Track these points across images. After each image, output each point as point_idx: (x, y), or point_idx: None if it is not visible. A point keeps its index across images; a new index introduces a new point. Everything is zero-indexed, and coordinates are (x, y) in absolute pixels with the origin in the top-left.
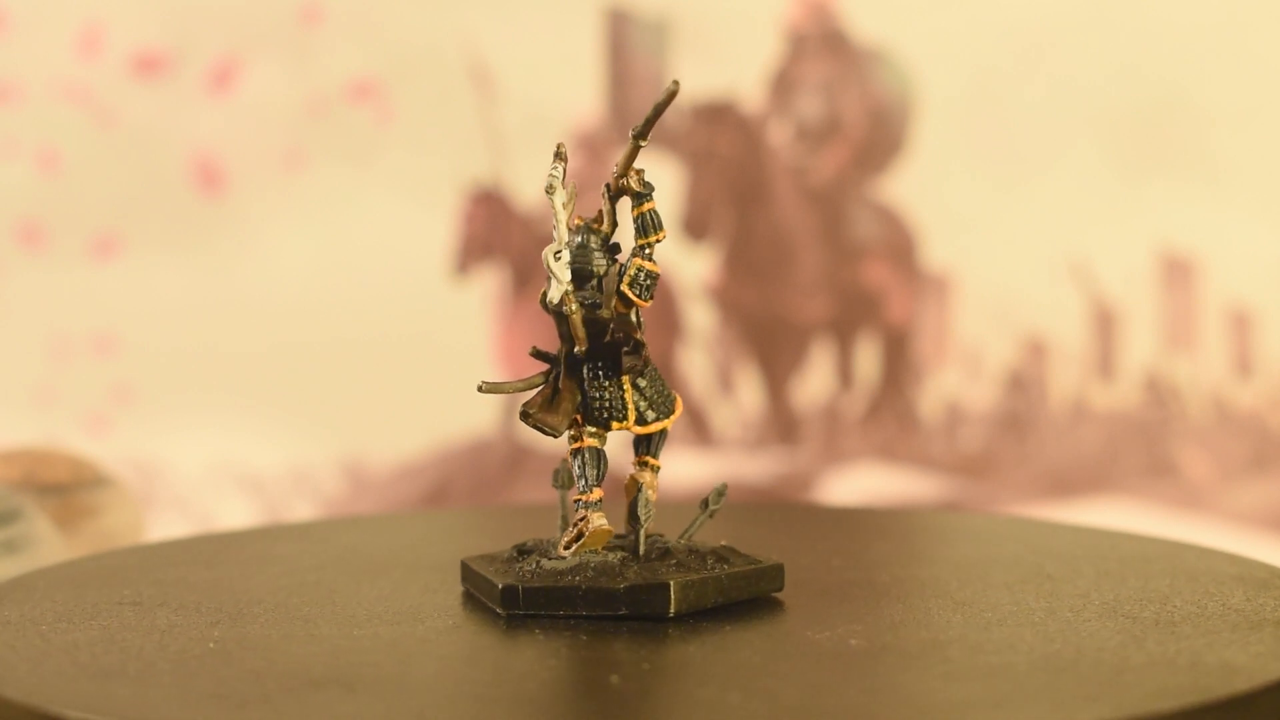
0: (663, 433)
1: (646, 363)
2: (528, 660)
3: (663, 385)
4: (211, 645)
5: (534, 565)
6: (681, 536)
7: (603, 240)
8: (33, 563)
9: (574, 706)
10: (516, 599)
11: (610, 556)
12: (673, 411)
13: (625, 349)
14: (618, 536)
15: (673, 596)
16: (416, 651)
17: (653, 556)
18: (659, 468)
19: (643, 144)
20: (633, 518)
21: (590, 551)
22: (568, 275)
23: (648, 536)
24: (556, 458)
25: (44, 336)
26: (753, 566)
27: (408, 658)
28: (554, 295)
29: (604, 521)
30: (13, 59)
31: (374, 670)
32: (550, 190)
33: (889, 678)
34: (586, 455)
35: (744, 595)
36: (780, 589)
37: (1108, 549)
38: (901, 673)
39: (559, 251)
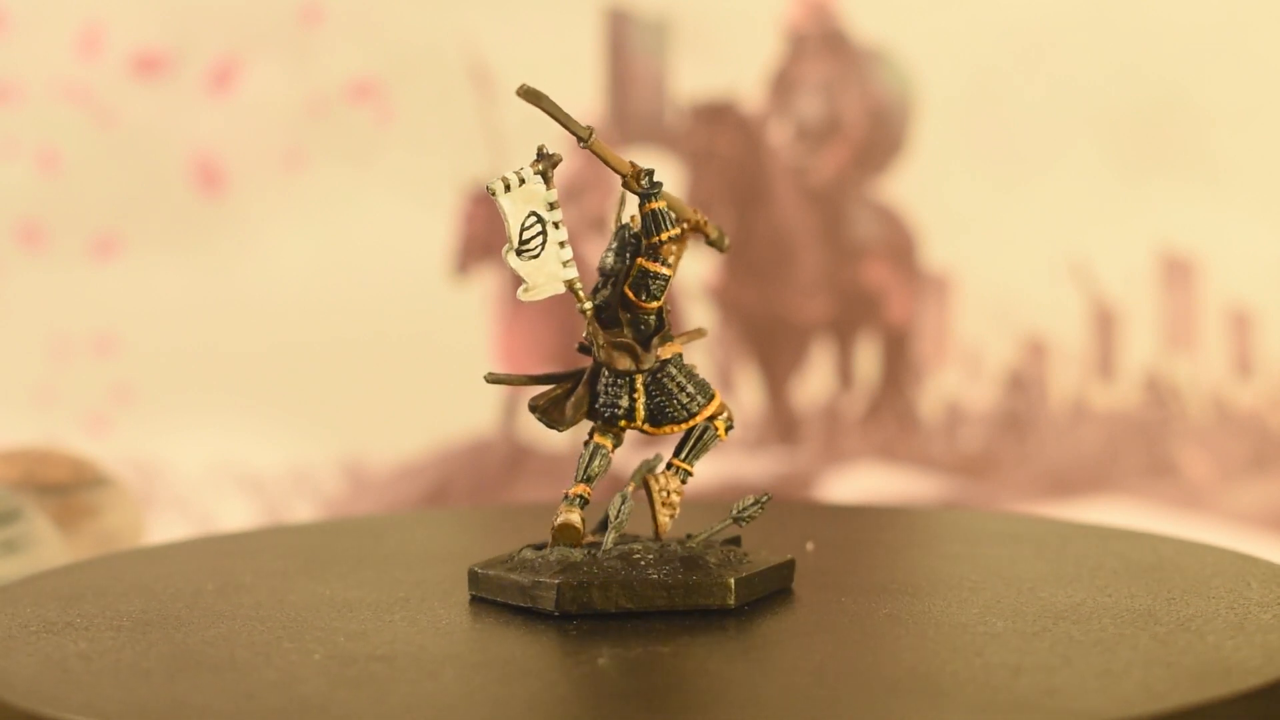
0: (700, 436)
1: (661, 363)
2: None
3: (687, 388)
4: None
5: (518, 554)
6: (693, 539)
7: (631, 240)
8: (33, 563)
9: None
10: (475, 582)
11: (574, 553)
12: (692, 417)
13: (589, 347)
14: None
15: (557, 596)
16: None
17: (609, 556)
18: (684, 470)
19: (585, 147)
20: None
21: (567, 545)
22: (552, 273)
23: (658, 535)
24: (558, 458)
25: (44, 336)
26: (688, 579)
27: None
28: (520, 294)
29: (571, 517)
30: (13, 59)
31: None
32: (492, 190)
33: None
34: (585, 450)
35: (670, 606)
36: (726, 603)
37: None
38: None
39: (520, 250)
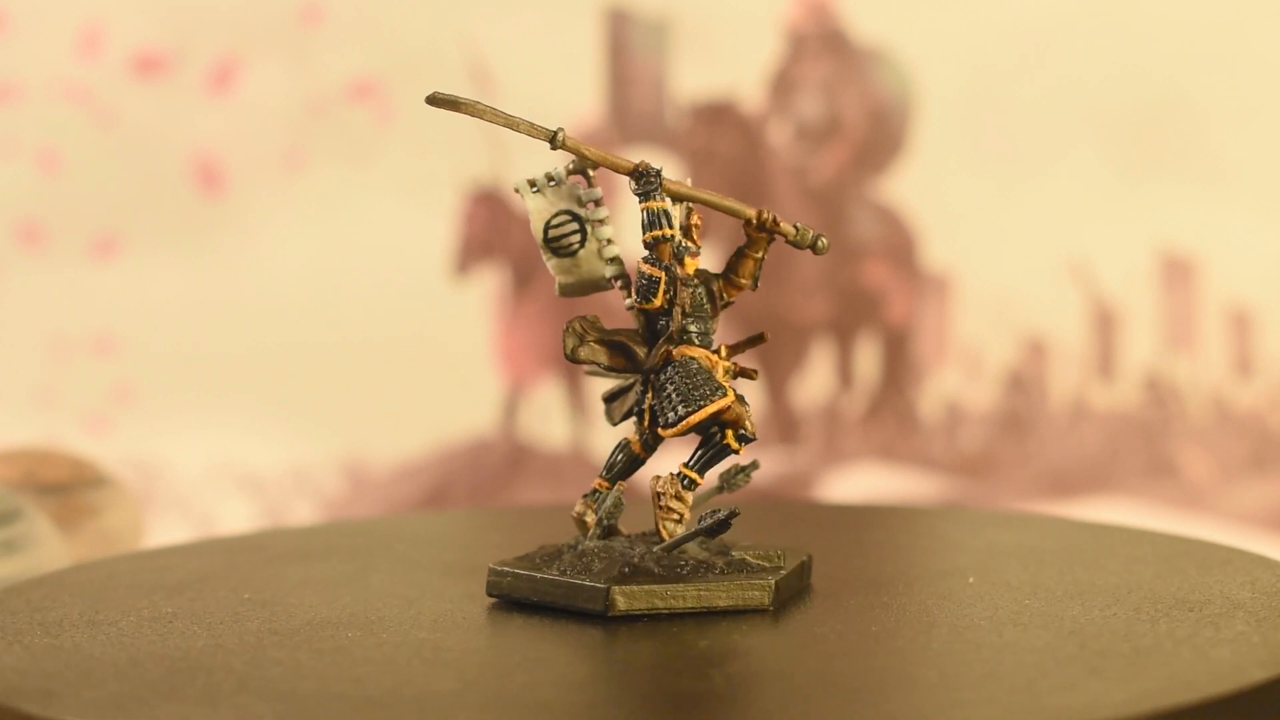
0: (707, 444)
1: (665, 363)
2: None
3: (674, 391)
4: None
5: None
6: (667, 546)
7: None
8: (33, 563)
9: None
10: None
11: (559, 546)
12: (680, 420)
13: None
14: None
15: (488, 580)
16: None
17: (573, 551)
18: (684, 475)
19: (557, 148)
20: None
21: (580, 536)
22: (595, 270)
23: (662, 539)
24: (558, 458)
25: (44, 336)
26: (573, 582)
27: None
28: (556, 290)
29: (579, 510)
30: (13, 59)
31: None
32: (518, 189)
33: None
34: (616, 445)
35: (566, 605)
36: (602, 610)
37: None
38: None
39: (555, 249)
